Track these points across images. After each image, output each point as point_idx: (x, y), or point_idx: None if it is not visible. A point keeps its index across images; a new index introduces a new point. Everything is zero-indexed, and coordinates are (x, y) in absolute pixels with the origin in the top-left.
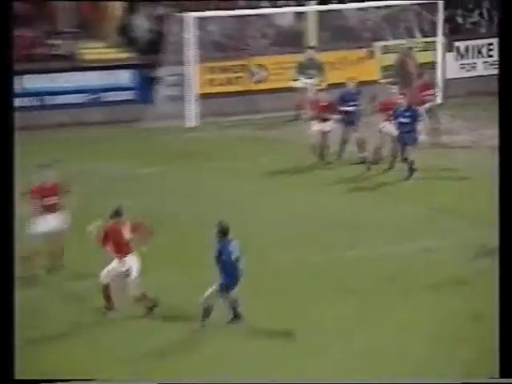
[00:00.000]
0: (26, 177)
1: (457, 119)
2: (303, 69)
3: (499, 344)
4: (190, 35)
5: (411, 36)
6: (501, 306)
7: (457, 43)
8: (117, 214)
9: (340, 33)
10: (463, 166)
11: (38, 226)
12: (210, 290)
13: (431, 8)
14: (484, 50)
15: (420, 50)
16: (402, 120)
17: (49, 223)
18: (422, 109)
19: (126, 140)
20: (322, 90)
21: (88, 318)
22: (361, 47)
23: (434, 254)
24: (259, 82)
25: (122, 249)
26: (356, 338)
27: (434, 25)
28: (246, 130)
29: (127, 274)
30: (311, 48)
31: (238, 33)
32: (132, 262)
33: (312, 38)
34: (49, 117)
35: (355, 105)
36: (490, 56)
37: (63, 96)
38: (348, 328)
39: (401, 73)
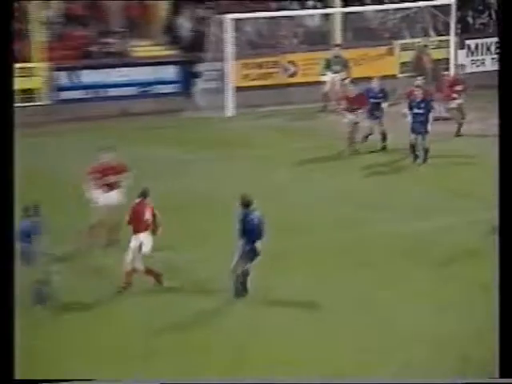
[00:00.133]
0: (86, 159)
1: (467, 110)
2: (330, 65)
3: (499, 344)
4: (228, 35)
5: (427, 35)
6: (501, 306)
7: (468, 41)
8: (143, 194)
9: (362, 32)
10: (474, 152)
11: (100, 200)
12: (235, 260)
13: (445, 10)
14: (492, 48)
15: (434, 48)
16: (417, 111)
17: (109, 199)
18: (452, 103)
19: (171, 128)
20: (346, 83)
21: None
22: (381, 45)
23: (446, 231)
24: (290, 76)
25: (140, 227)
26: (376, 307)
27: (447, 25)
28: (278, 120)
29: (139, 249)
30: (337, 46)
31: (271, 32)
32: (144, 238)
33: (337, 37)
34: (103, 107)
35: (379, 99)
36: (498, 53)
37: (116, 89)
38: (369, 297)
39: (417, 68)
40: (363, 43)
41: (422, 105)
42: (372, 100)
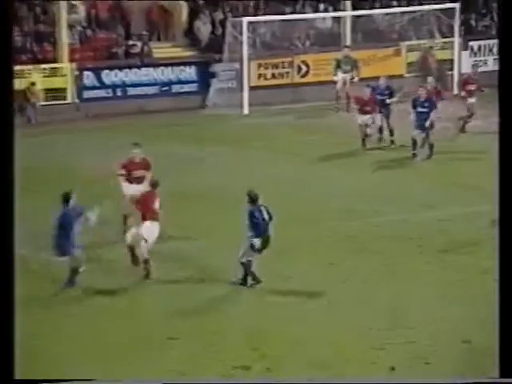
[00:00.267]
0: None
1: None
2: (340, 65)
3: (499, 344)
4: (244, 36)
5: (432, 37)
6: (501, 305)
7: (471, 43)
8: (153, 185)
9: (371, 34)
10: (476, 147)
11: (129, 193)
12: (242, 250)
13: (449, 13)
14: (494, 49)
15: (439, 49)
16: (421, 109)
17: (136, 192)
18: (469, 101)
19: (190, 126)
20: (355, 82)
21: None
22: (389, 46)
23: (448, 222)
24: (303, 76)
25: (147, 215)
26: (381, 290)
27: (451, 27)
28: (291, 117)
29: (143, 238)
30: (347, 47)
31: (285, 34)
32: (150, 227)
33: (347, 39)
34: (127, 106)
35: (385, 96)
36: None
37: (137, 88)
38: (374, 281)
39: (423, 68)
40: (372, 44)
41: (426, 104)
42: (379, 97)
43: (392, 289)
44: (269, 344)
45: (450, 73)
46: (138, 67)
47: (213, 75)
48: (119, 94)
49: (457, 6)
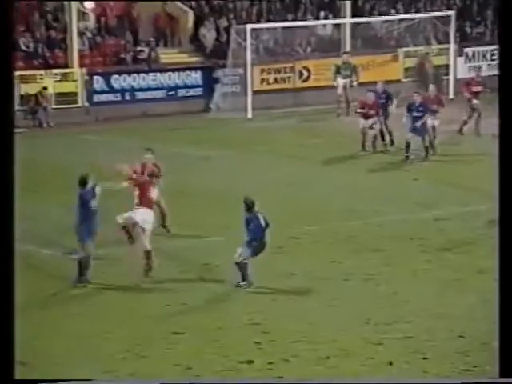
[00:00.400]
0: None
1: (465, 111)
2: (339, 70)
3: (499, 344)
4: (248, 43)
5: (428, 43)
6: (500, 305)
7: (466, 49)
8: (150, 175)
9: (370, 40)
10: (471, 149)
11: None
12: (238, 251)
13: (445, 20)
14: (488, 55)
15: (435, 55)
16: (416, 114)
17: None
18: (473, 103)
19: (196, 129)
20: (354, 87)
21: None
22: (387, 52)
23: (445, 221)
24: (304, 81)
25: (141, 202)
26: (380, 287)
27: (447, 34)
28: (293, 121)
29: (143, 227)
30: (346, 53)
31: (287, 41)
32: (144, 213)
33: (347, 45)
34: (135, 109)
35: (382, 99)
36: (493, 60)
37: (145, 92)
38: (374, 278)
39: (420, 73)
40: (370, 50)
41: (421, 108)
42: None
43: (391, 286)
44: (271, 339)
45: (445, 78)
46: (146, 72)
47: (217, 80)
48: (128, 98)
49: (452, 13)
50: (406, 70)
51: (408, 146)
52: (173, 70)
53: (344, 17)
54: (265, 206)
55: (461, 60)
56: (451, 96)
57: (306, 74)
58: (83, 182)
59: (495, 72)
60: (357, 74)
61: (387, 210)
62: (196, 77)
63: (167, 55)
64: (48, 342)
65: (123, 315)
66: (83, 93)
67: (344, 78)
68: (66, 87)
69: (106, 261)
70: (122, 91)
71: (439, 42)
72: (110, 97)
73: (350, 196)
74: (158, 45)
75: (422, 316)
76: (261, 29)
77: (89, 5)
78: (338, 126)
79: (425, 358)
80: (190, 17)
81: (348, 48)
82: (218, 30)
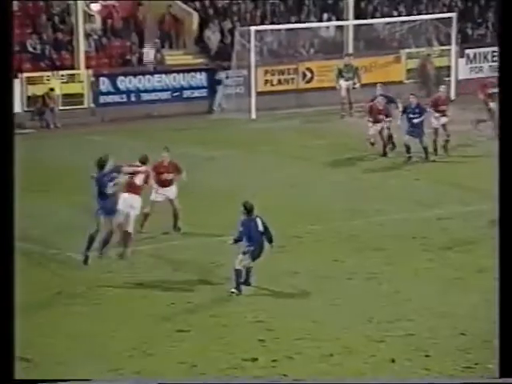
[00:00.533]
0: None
1: (467, 112)
2: (341, 73)
3: (499, 344)
4: (252, 44)
5: (430, 45)
6: (500, 305)
7: (467, 51)
8: (142, 161)
9: (372, 42)
10: (472, 149)
11: (156, 196)
12: (238, 257)
13: (446, 22)
14: (489, 56)
15: (437, 56)
16: (412, 116)
17: (165, 194)
18: (490, 105)
19: (201, 129)
20: (357, 88)
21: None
22: (389, 54)
23: (447, 220)
24: (307, 82)
25: (127, 188)
26: (383, 286)
27: (448, 36)
28: (296, 121)
29: (126, 212)
30: (347, 55)
31: (290, 42)
32: (128, 199)
33: (350, 47)
34: (140, 110)
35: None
36: (494, 61)
37: (150, 93)
38: (377, 277)
39: (421, 74)
40: (373, 52)
41: (417, 110)
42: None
43: (393, 285)
44: (275, 337)
45: (447, 79)
46: (151, 74)
47: (219, 82)
48: (133, 99)
49: (454, 15)
50: (408, 71)
51: (408, 147)
52: (178, 72)
53: (347, 19)
54: (268, 205)
55: (462, 61)
56: (452, 97)
57: (309, 75)
58: (101, 165)
59: (496, 73)
60: (358, 76)
61: (389, 209)
62: (201, 78)
63: (172, 57)
64: (54, 340)
65: (129, 314)
66: (89, 94)
67: (346, 80)
68: (73, 88)
69: (111, 259)
70: (128, 92)
71: (441, 44)
72: (116, 98)
73: (353, 196)
74: (163, 46)
75: (424, 314)
76: (265, 31)
77: (95, 7)
78: (341, 127)
79: (427, 356)
80: (195, 19)
81: (351, 49)
82: (222, 31)
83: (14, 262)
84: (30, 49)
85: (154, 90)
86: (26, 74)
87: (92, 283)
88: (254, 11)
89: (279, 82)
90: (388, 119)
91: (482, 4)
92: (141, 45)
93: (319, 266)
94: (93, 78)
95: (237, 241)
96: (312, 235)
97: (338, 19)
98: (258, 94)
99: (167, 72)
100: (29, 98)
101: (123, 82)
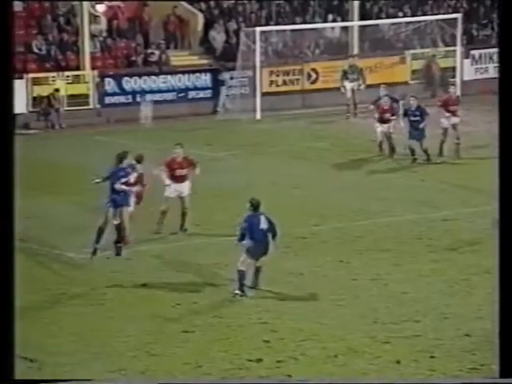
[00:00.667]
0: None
1: (472, 112)
2: (346, 75)
3: (499, 344)
4: (257, 45)
5: (435, 45)
6: (500, 305)
7: (472, 51)
8: (137, 160)
9: (378, 43)
10: (478, 150)
11: (170, 192)
12: (241, 258)
13: (452, 23)
14: (494, 57)
15: (442, 57)
16: (413, 118)
17: (178, 190)
18: None
19: (206, 129)
20: (362, 89)
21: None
22: (394, 54)
23: (453, 221)
24: (312, 83)
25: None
26: (388, 286)
27: (453, 37)
28: (301, 122)
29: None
30: (352, 56)
31: (295, 43)
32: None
33: (355, 48)
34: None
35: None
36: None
37: (155, 94)
38: (382, 278)
39: (427, 75)
40: (378, 53)
41: (418, 112)
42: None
43: (399, 286)
44: (280, 338)
45: (452, 80)
46: (156, 74)
47: (223, 82)
48: (138, 99)
49: (459, 16)
50: (413, 72)
51: (412, 150)
52: (183, 73)
53: (352, 19)
54: (273, 205)
55: (467, 62)
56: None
57: (314, 76)
58: (120, 158)
59: None
60: (363, 77)
61: (395, 210)
62: (206, 79)
63: (177, 57)
64: (58, 340)
65: (133, 314)
66: (95, 95)
67: (351, 81)
68: (78, 89)
69: (116, 259)
70: (133, 93)
71: (446, 45)
72: (121, 99)
73: (358, 196)
74: (168, 47)
75: (429, 315)
76: (270, 31)
77: (100, 8)
78: (345, 128)
79: (432, 357)
80: (200, 19)
81: (356, 50)
82: (227, 32)
83: (14, 262)
84: (36, 49)
85: (159, 91)
86: (31, 75)
87: (96, 284)
88: (259, 12)
89: (284, 82)
90: (393, 117)
91: (487, 5)
92: (146, 46)
93: (324, 266)
94: (98, 79)
95: (241, 239)
96: (317, 236)
97: (343, 20)
98: (263, 94)
99: (172, 73)
100: (34, 98)
101: (128, 83)
